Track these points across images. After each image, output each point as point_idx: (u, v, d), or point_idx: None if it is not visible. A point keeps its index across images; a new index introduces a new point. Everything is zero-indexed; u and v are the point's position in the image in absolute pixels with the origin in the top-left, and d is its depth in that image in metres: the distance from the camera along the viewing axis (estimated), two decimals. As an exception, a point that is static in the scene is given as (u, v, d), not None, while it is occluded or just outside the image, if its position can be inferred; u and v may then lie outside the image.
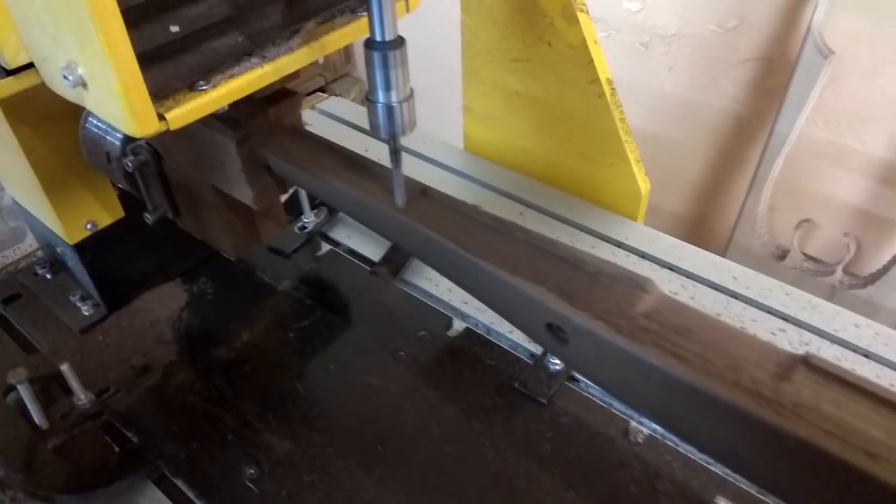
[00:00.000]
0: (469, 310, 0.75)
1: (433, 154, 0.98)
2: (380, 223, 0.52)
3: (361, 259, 0.83)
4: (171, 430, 0.64)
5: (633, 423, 0.64)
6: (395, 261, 0.80)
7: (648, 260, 0.81)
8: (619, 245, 0.83)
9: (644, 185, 0.83)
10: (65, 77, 0.42)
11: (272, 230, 0.61)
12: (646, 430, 0.63)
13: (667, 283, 0.77)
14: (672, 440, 0.62)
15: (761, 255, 1.46)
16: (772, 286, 0.76)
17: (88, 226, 0.67)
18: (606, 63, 0.76)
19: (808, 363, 0.33)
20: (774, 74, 1.36)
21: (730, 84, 1.43)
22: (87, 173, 0.63)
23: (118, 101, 0.40)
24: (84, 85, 0.42)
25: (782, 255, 1.44)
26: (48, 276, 0.77)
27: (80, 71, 0.41)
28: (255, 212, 0.57)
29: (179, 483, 0.61)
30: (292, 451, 0.62)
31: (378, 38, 0.43)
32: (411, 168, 0.95)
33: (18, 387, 0.60)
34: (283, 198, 0.86)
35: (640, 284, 0.38)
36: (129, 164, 0.55)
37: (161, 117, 0.42)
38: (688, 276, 0.78)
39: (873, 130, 1.28)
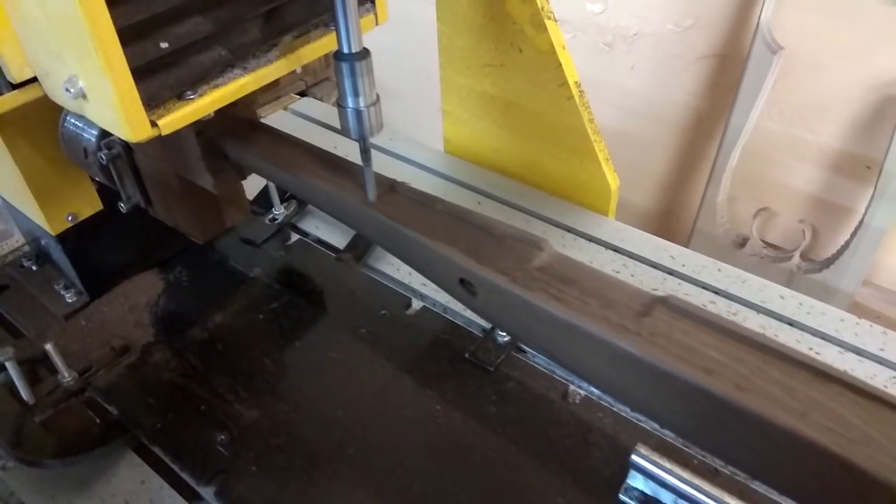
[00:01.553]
0: (427, 291, 0.81)
1: (415, 157, 1.03)
2: (319, 200, 0.58)
3: (328, 247, 0.89)
4: (149, 403, 0.70)
5: (572, 387, 0.70)
6: (359, 248, 0.85)
7: (595, 243, 0.87)
8: (569, 230, 0.89)
9: (613, 182, 0.88)
10: (67, 90, 0.47)
11: (236, 215, 0.66)
12: (582, 392, 0.69)
13: (610, 263, 0.84)
14: (606, 400, 0.68)
15: (723, 243, 1.53)
16: (705, 263, 0.82)
17: (69, 218, 0.73)
18: (574, 66, 0.80)
19: (665, 302, 0.39)
20: (729, 70, 1.42)
21: (689, 80, 1.50)
22: (67, 169, 0.69)
23: (115, 110, 0.45)
24: (84, 96, 0.47)
25: (742, 242, 1.51)
26: (34, 268, 0.82)
27: (81, 84, 0.47)
28: (219, 198, 0.63)
29: (156, 449, 0.66)
30: (260, 419, 0.68)
31: (346, 51, 0.49)
32: (396, 170, 1.00)
33: (6, 364, 0.65)
34: (254, 193, 0.93)
35: (537, 244, 0.44)
36: (104, 158, 0.61)
37: (154, 124, 0.47)
38: (630, 256, 0.84)
39: (824, 121, 1.35)
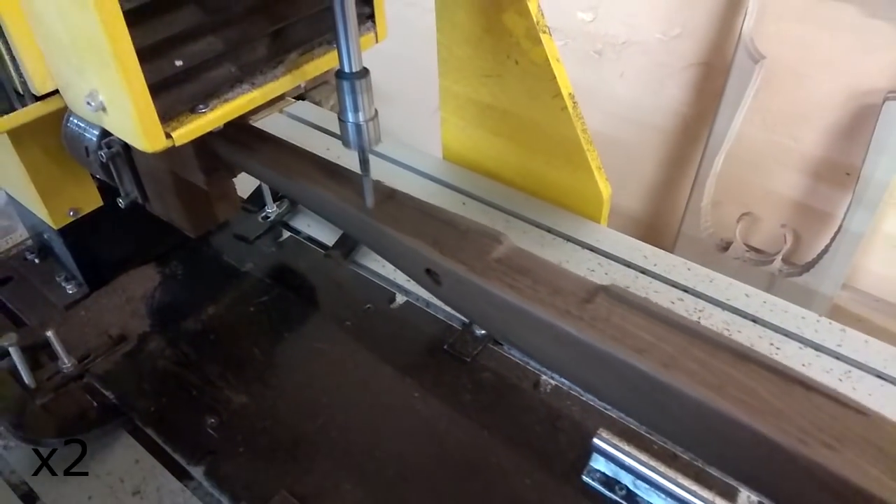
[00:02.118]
0: (411, 286, 0.85)
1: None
2: (297, 193, 0.63)
3: (318, 244, 0.93)
4: (143, 388, 0.74)
5: (544, 377, 0.73)
6: (347, 245, 0.90)
7: (572, 242, 0.91)
8: (549, 230, 0.93)
9: (605, 190, 0.91)
10: (88, 103, 0.50)
11: (227, 211, 0.70)
12: (553, 382, 0.73)
13: (585, 262, 0.88)
14: (575, 390, 0.72)
15: (707, 246, 1.57)
16: (675, 262, 0.86)
17: (71, 213, 0.77)
18: (568, 78, 0.83)
19: (607, 290, 0.43)
20: (714, 78, 1.46)
21: (675, 88, 1.54)
22: (70, 166, 0.73)
23: (133, 123, 0.49)
24: (104, 109, 0.50)
25: (726, 246, 1.55)
26: (36, 261, 0.87)
27: (101, 98, 0.50)
28: (210, 194, 0.67)
29: (149, 431, 0.70)
30: (248, 404, 0.72)
31: (346, 70, 0.53)
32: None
33: (10, 349, 0.70)
34: (249, 192, 0.97)
35: (496, 237, 0.48)
36: (104, 156, 0.65)
37: (168, 136, 0.51)
38: (605, 256, 0.88)
39: (805, 129, 1.39)
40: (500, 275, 0.44)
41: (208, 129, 0.54)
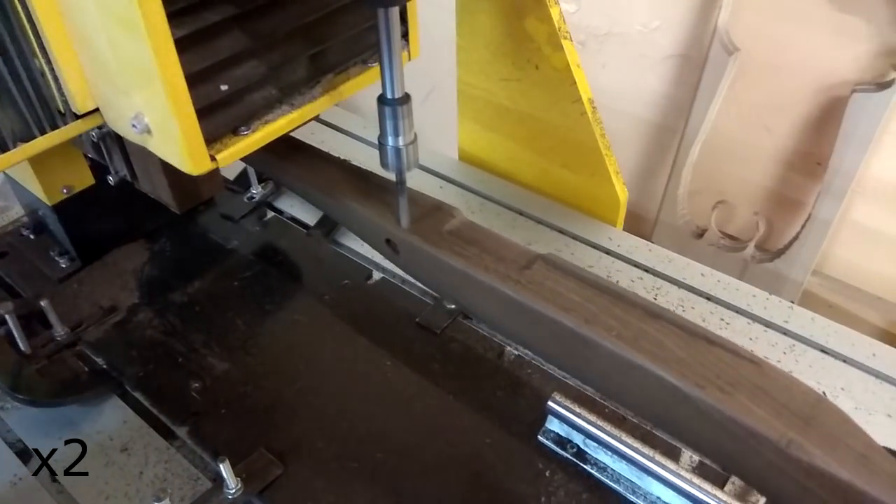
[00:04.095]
0: (388, 264, 0.89)
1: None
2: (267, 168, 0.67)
3: (300, 224, 0.98)
4: (132, 355, 0.79)
5: (508, 349, 0.78)
6: (328, 225, 0.94)
7: (544, 225, 0.96)
8: (520, 213, 0.98)
9: (622, 194, 0.94)
10: (133, 125, 0.51)
11: (210, 189, 0.74)
12: (516, 353, 0.78)
13: (553, 243, 0.93)
14: (537, 360, 0.77)
15: (684, 233, 1.62)
16: (638, 244, 0.91)
17: (65, 190, 0.81)
18: (588, 84, 0.85)
19: (544, 258, 0.48)
20: (691, 70, 1.51)
21: (655, 78, 1.58)
22: (63, 146, 0.77)
23: (179, 146, 0.49)
24: (149, 132, 0.51)
25: (701, 233, 1.60)
26: (32, 237, 0.91)
27: (147, 121, 0.51)
28: (195, 173, 0.72)
29: (137, 395, 0.75)
30: (230, 370, 0.77)
31: (389, 96, 0.54)
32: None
33: (6, 317, 0.74)
34: (235, 174, 1.01)
35: (450, 212, 0.53)
36: (95, 136, 0.69)
37: (213, 158, 0.52)
38: (573, 238, 0.93)
39: (778, 120, 1.44)
40: (451, 244, 0.49)
41: (249, 151, 0.54)
